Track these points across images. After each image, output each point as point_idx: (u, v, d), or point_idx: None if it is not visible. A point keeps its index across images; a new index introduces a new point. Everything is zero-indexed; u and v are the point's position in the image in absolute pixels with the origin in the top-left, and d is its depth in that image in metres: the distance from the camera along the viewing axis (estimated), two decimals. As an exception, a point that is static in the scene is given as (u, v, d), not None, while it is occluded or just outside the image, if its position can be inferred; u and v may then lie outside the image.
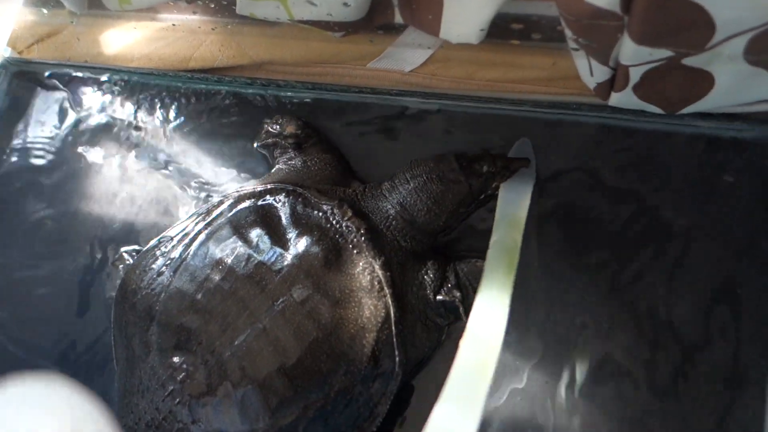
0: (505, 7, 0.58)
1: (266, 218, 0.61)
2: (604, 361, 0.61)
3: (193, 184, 0.75)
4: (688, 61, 0.54)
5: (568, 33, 0.55)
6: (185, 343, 0.57)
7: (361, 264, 0.58)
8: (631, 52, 0.52)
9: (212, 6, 0.71)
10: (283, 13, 0.63)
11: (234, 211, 0.62)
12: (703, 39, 0.50)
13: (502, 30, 0.63)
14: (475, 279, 0.62)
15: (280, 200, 0.61)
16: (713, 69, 0.55)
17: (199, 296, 0.58)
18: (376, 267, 0.58)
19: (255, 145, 0.74)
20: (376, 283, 0.57)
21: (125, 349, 0.62)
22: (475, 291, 0.61)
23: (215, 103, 0.77)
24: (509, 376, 0.62)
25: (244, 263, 0.58)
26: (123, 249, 0.73)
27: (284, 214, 0.61)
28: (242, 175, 0.74)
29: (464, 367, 0.53)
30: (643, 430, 0.59)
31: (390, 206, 0.62)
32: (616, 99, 0.62)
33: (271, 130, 0.72)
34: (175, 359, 0.57)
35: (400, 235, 0.62)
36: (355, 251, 0.58)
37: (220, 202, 0.64)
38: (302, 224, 0.60)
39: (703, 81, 0.57)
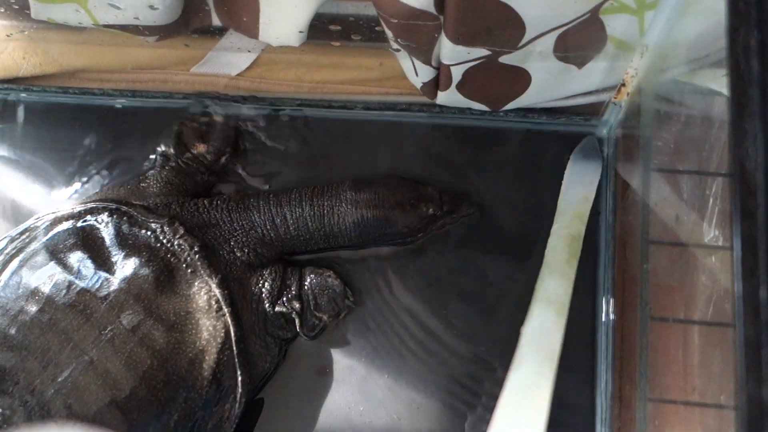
0: (323, 8, 0.57)
1: (88, 240, 0.57)
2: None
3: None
4: (505, 60, 0.56)
5: (389, 33, 0.55)
6: (-1, 385, 0.51)
7: (196, 284, 0.56)
8: (449, 51, 0.54)
9: (1, 10, 0.64)
10: (85, 17, 0.59)
11: (50, 234, 0.58)
12: (516, 38, 0.52)
13: (321, 32, 0.62)
14: (322, 292, 0.61)
15: (102, 220, 0.58)
16: (528, 66, 0.58)
17: (12, 331, 0.53)
18: (213, 286, 0.56)
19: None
20: (213, 302, 0.56)
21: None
22: (318, 304, 0.62)
23: (23, 117, 0.71)
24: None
25: (64, 291, 0.54)
26: None
27: (108, 235, 0.57)
28: (62, 193, 0.68)
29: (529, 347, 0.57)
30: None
31: (252, 221, 0.60)
32: (442, 98, 0.64)
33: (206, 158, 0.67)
34: (-11, 403, 0.51)
35: (239, 249, 0.60)
36: (189, 270, 0.56)
37: (34, 226, 0.59)
38: (129, 245, 0.57)
39: (521, 78, 0.60)
